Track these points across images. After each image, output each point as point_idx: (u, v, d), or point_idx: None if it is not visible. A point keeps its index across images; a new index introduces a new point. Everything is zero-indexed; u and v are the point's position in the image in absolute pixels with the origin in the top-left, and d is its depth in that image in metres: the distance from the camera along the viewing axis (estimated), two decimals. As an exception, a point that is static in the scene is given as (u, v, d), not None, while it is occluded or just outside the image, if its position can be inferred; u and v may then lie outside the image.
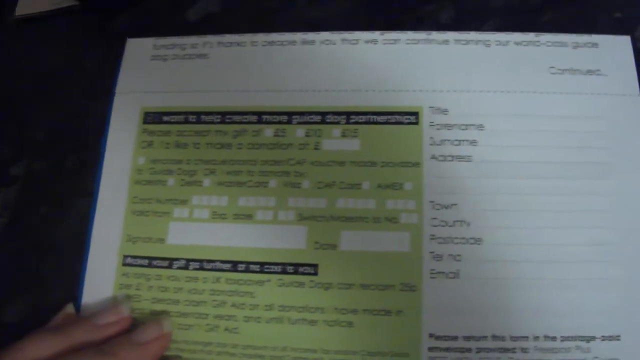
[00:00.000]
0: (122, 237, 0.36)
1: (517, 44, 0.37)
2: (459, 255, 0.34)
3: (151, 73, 0.38)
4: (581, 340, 0.33)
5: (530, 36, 0.37)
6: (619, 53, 0.37)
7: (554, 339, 0.33)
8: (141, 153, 0.37)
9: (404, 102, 0.36)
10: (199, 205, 0.36)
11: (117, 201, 0.36)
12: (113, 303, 0.34)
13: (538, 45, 0.37)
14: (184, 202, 0.36)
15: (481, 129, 0.35)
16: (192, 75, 0.38)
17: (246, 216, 0.35)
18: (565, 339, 0.33)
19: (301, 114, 0.36)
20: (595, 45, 0.37)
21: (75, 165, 0.38)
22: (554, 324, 0.33)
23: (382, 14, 0.39)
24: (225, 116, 0.37)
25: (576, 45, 0.37)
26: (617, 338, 0.33)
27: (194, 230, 0.35)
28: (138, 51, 0.39)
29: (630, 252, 0.34)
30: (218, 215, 0.35)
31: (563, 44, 0.37)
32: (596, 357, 0.32)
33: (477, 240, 0.34)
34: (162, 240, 0.35)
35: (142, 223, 0.36)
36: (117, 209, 0.36)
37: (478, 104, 0.36)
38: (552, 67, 0.36)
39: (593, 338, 0.33)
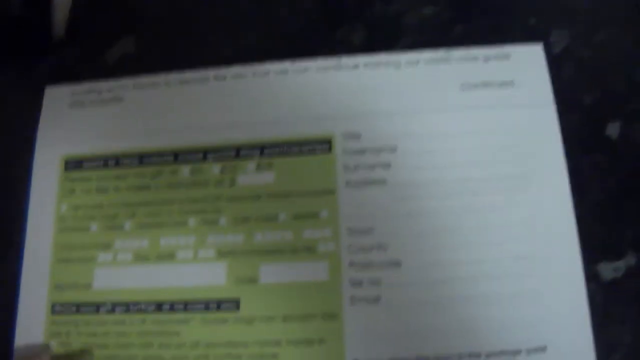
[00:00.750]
0: (50, 285, 0.36)
1: (427, 62, 0.37)
2: (378, 280, 0.33)
3: (70, 120, 0.38)
4: (506, 355, 0.32)
5: (441, 53, 0.37)
6: (532, 62, 0.36)
7: (478, 355, 0.32)
8: (63, 201, 0.36)
9: (317, 130, 0.36)
10: (122, 249, 0.35)
11: (43, 250, 0.36)
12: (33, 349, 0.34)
13: (449, 63, 0.37)
14: (107, 247, 0.35)
15: (394, 152, 0.35)
16: (109, 119, 0.38)
17: (168, 256, 0.35)
18: (489, 354, 0.32)
19: (216, 150, 0.36)
20: (507, 56, 0.36)
21: (1, 216, 0.37)
22: (478, 341, 0.33)
23: (296, 40, 0.38)
24: (142, 158, 0.37)
25: (487, 58, 0.36)
26: (542, 350, 0.32)
27: (118, 274, 0.35)
28: (56, 99, 0.39)
29: (552, 263, 0.33)
30: (141, 258, 0.35)
31: (474, 59, 0.36)
32: None
33: (396, 264, 0.34)
34: (88, 286, 0.35)
35: (69, 270, 0.36)
36: (43, 257, 0.36)
37: (390, 127, 0.35)
38: (464, 83, 0.36)
39: (518, 352, 0.32)
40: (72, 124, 0.38)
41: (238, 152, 0.36)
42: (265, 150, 0.36)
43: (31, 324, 0.35)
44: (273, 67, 0.37)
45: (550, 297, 0.33)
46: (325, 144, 0.35)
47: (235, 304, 0.34)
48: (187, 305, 0.34)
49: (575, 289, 0.33)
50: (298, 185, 0.35)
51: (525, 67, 0.36)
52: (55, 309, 0.35)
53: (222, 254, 0.34)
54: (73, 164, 0.37)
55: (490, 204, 0.34)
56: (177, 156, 0.36)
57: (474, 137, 0.35)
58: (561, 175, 0.34)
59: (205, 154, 0.36)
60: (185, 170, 0.36)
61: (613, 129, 0.35)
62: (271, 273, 0.34)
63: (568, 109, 0.35)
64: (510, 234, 0.34)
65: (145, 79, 0.38)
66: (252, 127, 0.36)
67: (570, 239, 0.33)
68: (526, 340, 0.33)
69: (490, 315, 0.33)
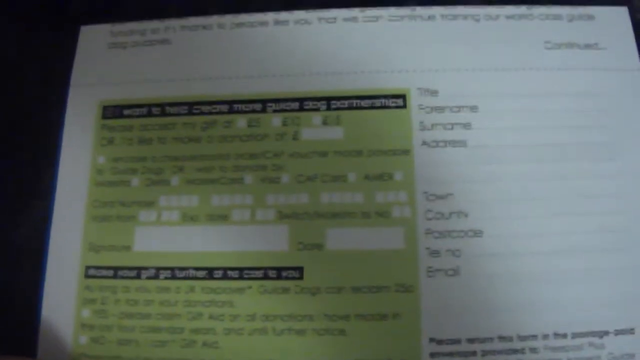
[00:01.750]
0: (83, 245, 0.30)
1: (508, 17, 0.32)
2: (458, 250, 0.29)
3: (109, 63, 0.33)
4: (593, 336, 0.28)
5: (522, 9, 0.33)
6: (617, 25, 0.32)
7: (564, 336, 0.28)
8: (101, 151, 0.31)
9: (389, 84, 0.31)
10: (168, 207, 0.30)
11: (76, 206, 0.31)
12: None
13: (531, 19, 0.32)
14: (150, 204, 0.30)
15: (475, 111, 0.31)
16: (154, 63, 0.32)
17: (220, 217, 0.30)
18: (576, 335, 0.28)
19: (276, 101, 0.31)
20: (591, 17, 0.32)
21: (28, 166, 0.32)
22: (563, 320, 0.29)
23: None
24: (192, 107, 0.31)
25: (571, 18, 0.32)
26: (631, 332, 0.29)
27: (163, 235, 0.30)
28: (94, 39, 0.33)
29: None
30: (189, 217, 0.30)
31: (557, 17, 0.32)
32: (611, 354, 0.28)
33: (477, 233, 0.29)
34: (128, 248, 0.30)
35: (105, 229, 0.30)
36: (76, 214, 0.31)
37: (470, 84, 0.31)
38: (548, 42, 0.32)
39: (606, 333, 0.28)
40: (111, 66, 0.33)
41: (302, 103, 0.31)
42: (332, 103, 0.31)
43: (61, 289, 0.31)
44: (341, 14, 0.33)
45: (638, 275, 0.29)
46: (399, 99, 0.31)
47: (299, 272, 0.29)
48: (242, 273, 0.29)
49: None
50: (369, 142, 0.30)
51: (610, 29, 0.33)
52: (89, 272, 0.30)
53: (284, 215, 0.30)
54: (112, 111, 0.32)
55: (577, 172, 0.30)
56: (232, 106, 0.31)
57: (560, 100, 0.31)
58: None
59: (264, 104, 0.31)
60: (241, 121, 0.31)
61: None
62: (339, 239, 0.30)
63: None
64: (599, 205, 0.30)
65: (195, 20, 0.33)
66: (317, 78, 0.31)
67: (660, 214, 0.29)
68: (614, 321, 0.29)
69: (575, 292, 0.29)
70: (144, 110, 0.32)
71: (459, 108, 0.31)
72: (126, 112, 0.32)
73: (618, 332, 0.29)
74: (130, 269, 0.30)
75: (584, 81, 0.31)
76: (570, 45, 0.32)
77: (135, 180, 0.31)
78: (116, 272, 0.30)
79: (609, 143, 0.31)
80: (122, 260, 0.30)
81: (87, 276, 0.30)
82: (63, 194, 0.31)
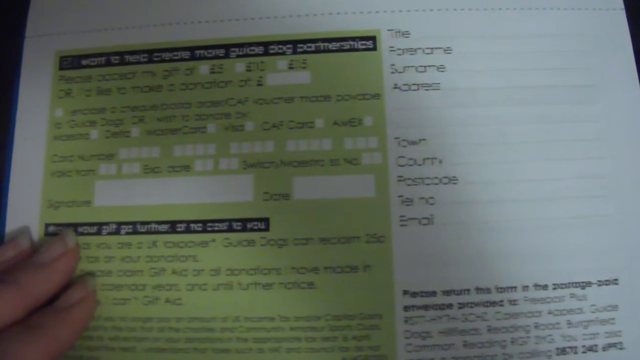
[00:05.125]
0: (42, 202, 0.27)
1: (483, -47, 0.28)
2: (431, 197, 0.25)
3: (64, 10, 0.29)
4: (575, 287, 0.25)
5: (499, -57, 0.28)
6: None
7: (545, 287, 0.25)
8: (58, 104, 0.27)
9: (358, 25, 0.27)
10: (128, 159, 0.27)
11: (34, 161, 0.27)
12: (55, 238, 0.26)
13: (508, -45, 0.28)
14: (110, 157, 0.27)
15: (448, 53, 0.27)
16: (111, 9, 0.29)
17: (183, 167, 0.26)
18: (557, 286, 0.25)
19: (240, 45, 0.27)
20: (572, -46, 0.28)
21: (-17, 121, 0.28)
22: (544, 270, 0.26)
23: None
24: (152, 54, 0.28)
25: (551, -45, 0.28)
26: (614, 282, 0.25)
27: (124, 188, 0.27)
28: None
29: (625, 184, 0.26)
30: (150, 169, 0.26)
31: (536, -47, 0.28)
32: (593, 305, 0.24)
33: (452, 179, 0.26)
34: (88, 203, 0.26)
35: (64, 185, 0.27)
36: (34, 170, 0.27)
37: (443, 24, 0.27)
38: None
39: (588, 283, 0.25)
40: (66, 15, 0.29)
41: (266, 47, 0.27)
42: (298, 47, 0.27)
43: (20, 247, 0.26)
44: (307, -48, 0.28)
45: (622, 223, 0.26)
46: (369, 41, 0.27)
47: (264, 223, 0.26)
48: (206, 225, 0.26)
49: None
50: (338, 87, 0.26)
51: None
52: (49, 229, 0.27)
53: (249, 164, 0.26)
54: (69, 61, 0.28)
55: (556, 115, 0.26)
56: (194, 52, 0.27)
57: (538, 40, 0.27)
58: (633, 87, 0.26)
59: (227, 49, 0.27)
60: (203, 68, 0.27)
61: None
62: (306, 187, 0.26)
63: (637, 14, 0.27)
64: (579, 150, 0.26)
65: (154, -36, 0.29)
66: (282, 21, 0.28)
67: (643, 157, 0.26)
68: (597, 271, 0.26)
69: (556, 241, 0.26)
70: (103, 59, 0.28)
71: (432, 50, 0.27)
72: (84, 62, 0.28)
73: (601, 283, 0.25)
74: (90, 224, 0.26)
75: (564, 21, 0.28)
76: (550, -18, 0.28)
77: (95, 133, 0.27)
78: (76, 228, 0.27)
79: (590, 85, 0.27)
80: (83, 216, 0.27)
81: (47, 234, 0.27)
82: (20, 150, 0.28)
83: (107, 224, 0.27)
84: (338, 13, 0.28)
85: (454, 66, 0.27)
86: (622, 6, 0.28)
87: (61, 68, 0.28)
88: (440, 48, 0.27)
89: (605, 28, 0.28)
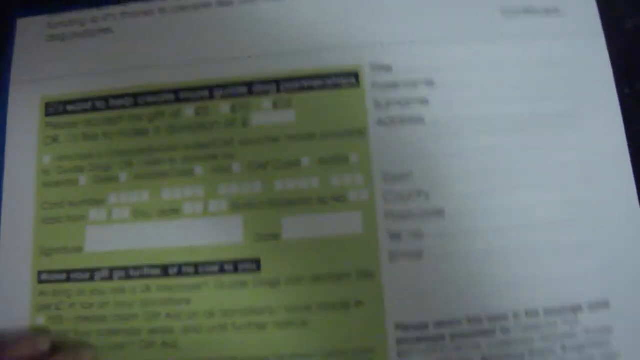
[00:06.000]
0: (34, 250, 0.26)
1: (462, -19, 0.28)
2: (419, 231, 0.25)
3: (49, 57, 0.28)
4: (566, 312, 0.25)
5: (477, -29, 0.28)
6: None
7: (536, 313, 0.25)
8: (46, 151, 0.27)
9: (340, 61, 0.27)
10: (118, 204, 0.26)
11: (24, 208, 0.27)
12: (31, 334, 0.25)
13: (487, -18, 0.28)
14: (100, 202, 0.26)
15: (431, 86, 0.27)
16: (95, 54, 0.28)
17: (172, 211, 0.26)
18: (548, 312, 0.25)
19: (224, 86, 0.27)
20: (551, -21, 0.28)
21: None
22: (534, 296, 0.26)
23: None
24: (137, 98, 0.27)
25: (530, -20, 0.28)
26: (605, 304, 0.25)
27: (114, 234, 0.26)
28: (31, 32, 0.29)
29: (608, 208, 0.25)
30: (140, 214, 0.26)
31: (515, -21, 0.28)
32: (586, 328, 0.25)
33: (439, 212, 0.26)
34: (79, 249, 0.26)
35: (56, 231, 0.27)
36: (25, 217, 0.27)
37: (425, 57, 0.27)
38: (505, 9, 0.27)
39: (579, 307, 0.25)
40: (51, 61, 0.29)
41: (250, 87, 0.27)
42: (282, 85, 0.27)
43: (15, 296, 0.27)
44: (287, -11, 0.28)
45: (609, 246, 0.26)
46: (351, 77, 0.27)
47: (255, 264, 0.26)
48: (198, 268, 0.26)
49: (636, 235, 0.26)
50: (322, 125, 0.26)
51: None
52: (42, 277, 0.26)
53: (237, 206, 0.26)
54: (55, 107, 0.28)
55: (539, 143, 0.27)
56: (179, 94, 0.27)
57: (519, 69, 0.27)
58: (613, 111, 0.27)
59: (211, 91, 0.27)
60: (188, 110, 0.27)
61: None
62: (295, 227, 0.26)
63: (615, 37, 0.27)
64: (562, 177, 0.26)
65: (135, 6, 0.28)
66: (265, 59, 0.27)
67: (627, 181, 0.26)
68: (586, 295, 0.26)
69: (544, 267, 0.26)
70: (88, 105, 0.28)
71: (415, 83, 0.27)
72: (70, 108, 0.28)
73: (592, 306, 0.25)
74: (83, 271, 0.26)
75: (543, 49, 0.28)
76: (529, 10, 0.28)
77: (83, 179, 0.27)
78: (69, 275, 0.27)
79: (570, 112, 0.27)
80: (75, 263, 0.26)
81: (40, 281, 0.27)
82: (10, 197, 0.28)
83: (99, 269, 0.27)
84: (320, 49, 0.28)
85: (437, 98, 0.27)
86: (601, 31, 0.28)
87: (47, 114, 0.28)
88: (423, 81, 0.27)
89: (585, 54, 0.28)
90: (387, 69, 0.27)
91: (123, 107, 0.28)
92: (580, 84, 0.27)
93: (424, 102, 0.27)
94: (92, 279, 0.27)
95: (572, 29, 0.28)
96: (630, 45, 0.29)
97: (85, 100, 0.28)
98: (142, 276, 0.26)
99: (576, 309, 0.25)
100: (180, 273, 0.26)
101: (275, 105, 0.27)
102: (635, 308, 0.26)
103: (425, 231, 0.26)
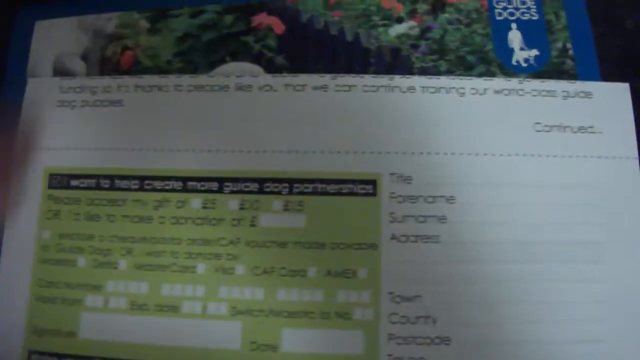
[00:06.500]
0: (27, 327, 0.26)
1: (496, 92, 0.26)
2: (422, 358, 0.24)
3: (56, 124, 0.27)
4: None
5: (513, 82, 0.26)
6: (616, 105, 0.26)
7: None
8: (46, 225, 0.26)
9: (358, 167, 0.25)
10: (115, 293, 0.25)
11: (20, 283, 0.26)
12: None
13: (522, 95, 0.26)
14: (97, 288, 0.25)
15: (451, 202, 0.25)
16: (104, 127, 0.27)
17: (171, 308, 0.25)
18: None
19: (234, 180, 0.25)
20: (588, 94, 0.26)
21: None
22: None
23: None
24: (144, 181, 0.26)
25: (567, 95, 0.26)
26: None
27: (110, 323, 0.25)
28: (41, 94, 0.27)
29: (629, 350, 0.24)
30: (138, 306, 0.25)
31: (551, 93, 0.26)
32: None
33: (444, 340, 0.24)
34: (73, 334, 0.25)
35: (50, 312, 0.26)
36: (20, 293, 0.26)
37: (448, 170, 0.25)
38: (538, 123, 0.25)
39: None
40: (58, 129, 0.27)
41: (262, 185, 0.25)
42: (295, 186, 0.25)
43: (3, 374, 0.25)
44: (311, 80, 0.26)
45: None
46: (369, 185, 0.25)
47: (250, 375, 0.24)
48: (192, 371, 0.24)
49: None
50: (333, 234, 0.25)
51: (608, 110, 0.27)
52: (33, 358, 0.25)
53: (237, 311, 0.25)
54: (59, 180, 0.27)
55: (561, 275, 0.25)
56: (187, 183, 0.26)
57: (547, 192, 0.26)
58: None
59: (221, 183, 0.26)
60: (195, 202, 0.26)
61: None
62: (295, 340, 0.25)
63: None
64: (582, 312, 0.25)
65: (150, 79, 0.27)
66: (279, 156, 0.26)
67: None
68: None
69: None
70: (92, 182, 0.26)
71: (434, 198, 0.25)
72: (73, 182, 0.27)
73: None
74: (75, 357, 0.25)
75: (575, 171, 0.26)
76: (563, 127, 0.26)
77: (82, 261, 0.26)
78: (60, 359, 0.25)
79: (599, 243, 0.25)
80: (67, 348, 0.26)
81: (31, 362, 0.26)
82: (6, 271, 0.26)
83: (92, 359, 0.26)
84: (338, 152, 0.26)
85: (456, 217, 0.26)
86: (637, 154, 0.26)
87: (50, 187, 0.27)
88: (443, 196, 0.26)
89: (619, 179, 0.26)
90: (407, 179, 0.26)
91: (128, 189, 0.27)
92: (611, 213, 0.26)
93: (442, 219, 0.26)
94: (83, 367, 0.26)
95: (606, 150, 0.26)
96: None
97: (89, 176, 0.27)
98: (136, 372, 0.25)
99: None
100: (174, 374, 0.25)
101: (286, 207, 0.26)
102: None
103: (427, 358, 0.25)
